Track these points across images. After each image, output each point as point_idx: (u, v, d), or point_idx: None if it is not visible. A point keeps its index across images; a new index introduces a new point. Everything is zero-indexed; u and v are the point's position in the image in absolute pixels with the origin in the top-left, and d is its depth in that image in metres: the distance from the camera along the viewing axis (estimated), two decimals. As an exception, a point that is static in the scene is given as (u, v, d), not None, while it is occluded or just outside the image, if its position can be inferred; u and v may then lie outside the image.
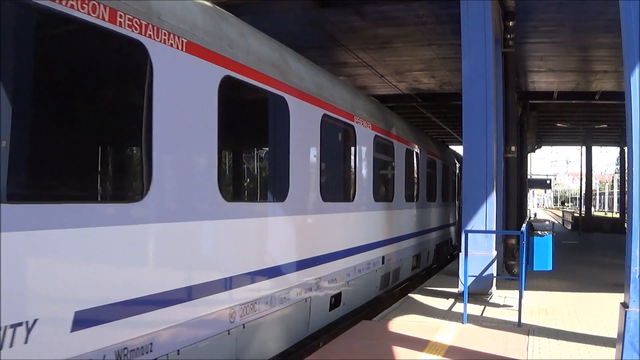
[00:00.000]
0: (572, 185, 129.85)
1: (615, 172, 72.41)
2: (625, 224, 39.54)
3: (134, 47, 5.96)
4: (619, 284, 8.40)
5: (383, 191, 14.91)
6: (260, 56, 8.65)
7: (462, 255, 12.31)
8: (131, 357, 5.83)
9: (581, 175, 45.05)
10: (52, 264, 5.05)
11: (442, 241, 22.92)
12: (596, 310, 12.33)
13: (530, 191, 70.98)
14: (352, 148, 12.48)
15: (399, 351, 8.86)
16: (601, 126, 38.21)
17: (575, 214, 49.59)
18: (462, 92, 14.31)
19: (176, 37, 6.54)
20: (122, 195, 6.74)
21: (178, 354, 6.53)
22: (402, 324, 10.87)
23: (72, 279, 5.24)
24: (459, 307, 12.18)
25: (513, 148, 16.29)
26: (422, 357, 8.58)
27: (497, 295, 13.69)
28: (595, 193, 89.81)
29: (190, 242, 7.01)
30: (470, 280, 11.98)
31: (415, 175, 18.20)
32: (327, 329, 11.54)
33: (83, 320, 5.25)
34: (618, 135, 41.76)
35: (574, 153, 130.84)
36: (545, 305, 12.76)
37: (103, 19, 5.46)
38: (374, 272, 13.80)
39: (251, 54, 8.31)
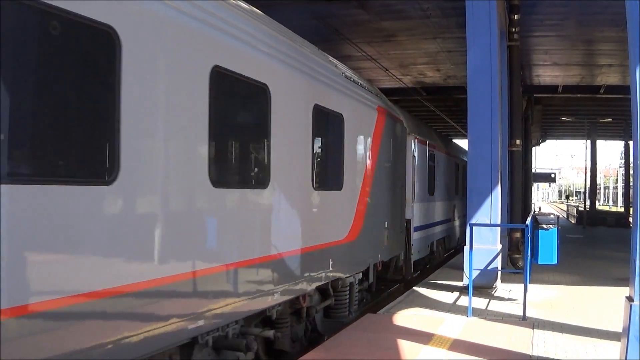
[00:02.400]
0: (576, 179, 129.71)
1: (620, 166, 72.32)
2: (630, 217, 39.53)
3: None
4: (623, 278, 8.41)
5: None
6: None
7: (466, 248, 12.31)
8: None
9: (586, 169, 44.96)
10: None
11: None
12: (601, 304, 12.34)
13: (535, 185, 70.93)
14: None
15: (403, 344, 8.89)
16: (606, 120, 38.13)
17: (579, 208, 49.51)
18: (467, 86, 14.30)
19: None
20: None
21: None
22: (407, 317, 10.90)
23: None
24: (463, 301, 12.20)
25: (518, 141, 16.28)
26: (427, 350, 8.61)
27: (502, 288, 13.71)
28: (600, 187, 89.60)
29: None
30: (475, 273, 11.99)
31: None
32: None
33: None
34: (623, 129, 41.65)
35: (578, 147, 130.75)
36: (550, 299, 12.78)
37: None
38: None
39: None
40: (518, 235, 15.34)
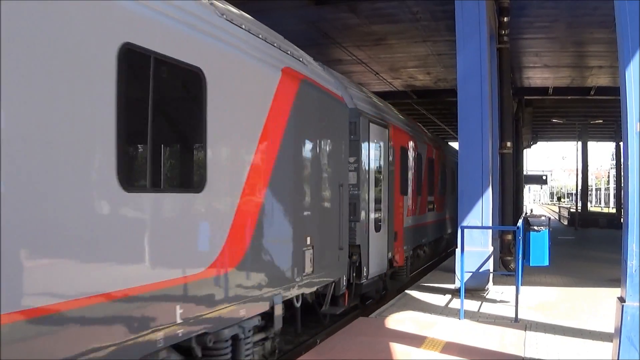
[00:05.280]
0: (568, 180, 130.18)
1: (611, 168, 72.52)
2: (622, 219, 39.70)
3: None
4: (615, 279, 8.41)
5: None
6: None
7: (458, 251, 12.30)
8: None
9: (577, 170, 45.07)
10: None
11: None
12: (593, 305, 12.34)
13: (526, 187, 71.09)
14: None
15: (396, 347, 8.86)
16: (597, 121, 38.27)
17: (571, 210, 49.59)
18: (457, 89, 14.31)
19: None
20: None
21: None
22: (399, 320, 10.87)
23: None
24: (455, 303, 12.19)
25: (508, 144, 16.28)
26: (420, 353, 8.59)
27: (494, 290, 13.70)
28: (592, 188, 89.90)
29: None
30: (466, 276, 11.97)
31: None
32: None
33: None
34: (613, 130, 41.80)
35: (569, 149, 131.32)
36: (542, 301, 12.77)
37: None
38: None
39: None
40: (509, 237, 15.35)
